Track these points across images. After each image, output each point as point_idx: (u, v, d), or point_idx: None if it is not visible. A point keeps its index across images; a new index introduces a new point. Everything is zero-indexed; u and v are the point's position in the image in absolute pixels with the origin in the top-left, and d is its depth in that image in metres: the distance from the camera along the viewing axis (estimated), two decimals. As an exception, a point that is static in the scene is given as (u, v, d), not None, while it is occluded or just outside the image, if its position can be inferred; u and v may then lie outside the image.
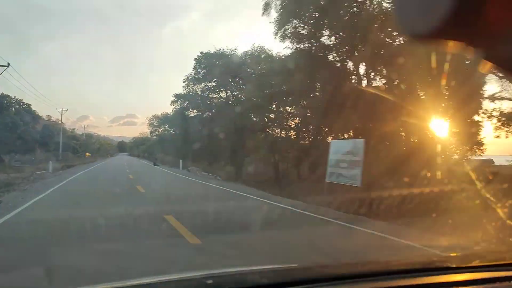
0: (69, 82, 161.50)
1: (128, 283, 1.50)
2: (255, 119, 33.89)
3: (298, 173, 27.50)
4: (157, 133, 58.33)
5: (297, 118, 27.45)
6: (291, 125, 29.37)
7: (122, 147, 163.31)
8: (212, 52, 33.61)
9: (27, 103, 38.04)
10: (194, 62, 34.51)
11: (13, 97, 36.16)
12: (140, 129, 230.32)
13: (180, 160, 32.24)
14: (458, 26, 0.45)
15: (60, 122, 54.02)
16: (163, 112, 57.82)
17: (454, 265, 1.73)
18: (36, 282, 3.06)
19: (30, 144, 37.43)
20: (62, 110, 52.72)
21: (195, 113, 35.99)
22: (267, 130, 32.36)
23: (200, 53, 34.13)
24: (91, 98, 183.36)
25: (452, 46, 0.48)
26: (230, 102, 34.54)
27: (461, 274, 1.67)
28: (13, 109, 35.85)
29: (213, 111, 34.38)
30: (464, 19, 0.44)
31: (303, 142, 29.18)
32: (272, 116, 30.03)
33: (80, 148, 60.65)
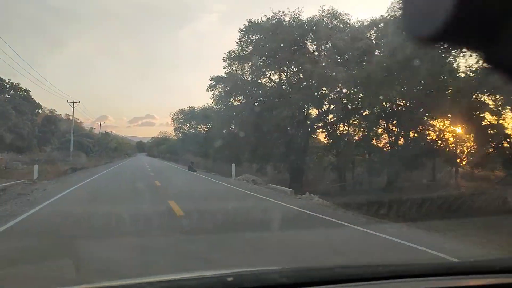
0: (89, 83, 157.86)
1: (151, 279, 1.55)
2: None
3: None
4: (182, 130, 50.35)
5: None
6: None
7: (140, 147, 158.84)
8: (264, 19, 25.06)
9: (25, 88, 30.22)
10: (239, 34, 26.09)
11: (7, 81, 28.39)
12: (158, 129, 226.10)
13: (233, 166, 22.78)
14: (460, 29, 0.47)
15: (73, 118, 46.56)
16: (189, 107, 49.94)
17: (472, 270, 1.74)
18: None
19: (27, 139, 29.65)
20: (73, 102, 45.35)
21: (240, 101, 27.38)
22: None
23: (248, 21, 25.65)
24: (111, 99, 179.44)
25: (454, 49, 0.44)
26: (284, 87, 26.04)
27: (481, 279, 1.66)
28: (7, 95, 28.17)
29: (261, 99, 26.06)
30: (466, 22, 0.46)
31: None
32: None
33: (93, 147, 53.07)
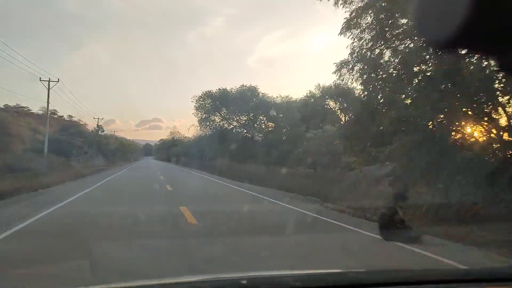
0: (96, 86, 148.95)
1: (166, 281, 1.58)
2: None
3: None
4: (210, 122, 34.40)
5: None
6: None
7: (148, 150, 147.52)
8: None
9: None
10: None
11: None
12: (166, 132, 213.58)
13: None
14: (474, 35, 0.46)
15: (48, 103, 31.49)
16: (219, 89, 34.24)
17: (490, 277, 1.69)
18: None
19: None
20: (49, 81, 30.24)
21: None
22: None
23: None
24: (118, 102, 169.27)
25: (469, 54, 0.45)
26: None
27: (500, 287, 1.65)
28: None
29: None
30: (481, 28, 0.46)
31: None
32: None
33: (82, 148, 37.52)
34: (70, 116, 63.54)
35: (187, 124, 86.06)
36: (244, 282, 1.46)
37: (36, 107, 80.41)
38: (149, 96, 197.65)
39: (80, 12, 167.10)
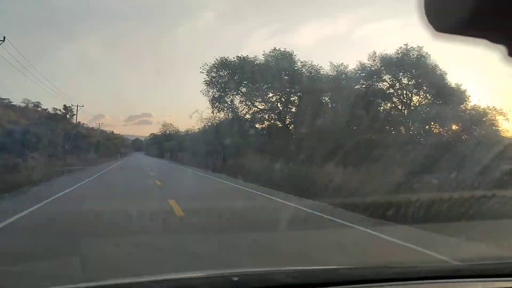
0: (85, 81, 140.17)
1: (157, 277, 1.53)
2: None
3: None
4: (226, 106, 24.30)
5: None
6: None
7: (137, 145, 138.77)
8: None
9: None
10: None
11: None
12: (156, 128, 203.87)
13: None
14: (483, 21, 0.45)
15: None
16: (238, 56, 24.18)
17: (480, 274, 1.69)
18: None
19: None
20: None
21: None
22: None
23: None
24: (107, 97, 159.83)
25: (476, 42, 0.48)
26: None
27: (490, 282, 1.64)
28: None
29: None
30: (487, 15, 0.45)
31: None
32: None
33: (39, 141, 26.81)
34: (55, 109, 54.51)
35: (177, 120, 77.59)
36: (236, 279, 1.44)
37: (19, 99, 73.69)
38: (139, 91, 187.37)
39: (68, 5, 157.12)
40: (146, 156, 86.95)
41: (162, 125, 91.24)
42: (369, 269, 1.84)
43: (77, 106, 49.16)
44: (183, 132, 61.66)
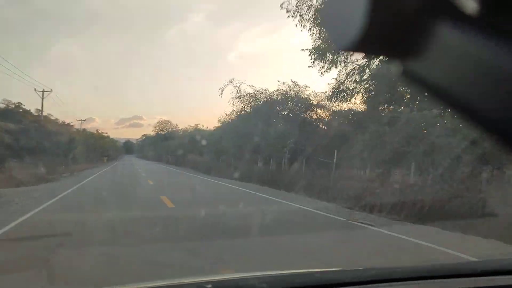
0: (74, 84, 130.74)
1: (128, 287, 1.62)
2: None
3: None
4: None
5: None
6: None
7: (129, 147, 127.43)
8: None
9: None
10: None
11: None
12: (146, 130, 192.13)
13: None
14: (378, 37, 0.46)
15: None
16: None
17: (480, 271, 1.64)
18: None
19: None
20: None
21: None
22: None
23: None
24: (97, 100, 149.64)
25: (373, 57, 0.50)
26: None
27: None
28: None
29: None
30: (383, 31, 0.45)
31: None
32: None
33: None
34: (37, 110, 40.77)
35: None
36: (209, 286, 1.41)
37: None
38: (129, 94, 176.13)
39: (55, 9, 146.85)
40: (140, 160, 72.62)
41: (157, 122, 76.99)
42: (345, 272, 1.75)
43: (42, 91, 34.81)
44: (190, 130, 47.93)
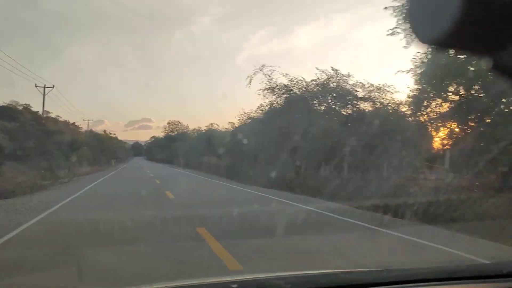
0: (84, 87, 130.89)
1: (154, 286, 1.55)
2: None
3: None
4: None
5: None
6: None
7: (137, 149, 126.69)
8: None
9: None
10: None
11: None
12: (155, 132, 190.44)
13: None
14: (466, 34, 0.45)
15: None
16: None
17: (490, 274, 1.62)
18: None
19: None
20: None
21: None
22: None
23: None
24: (106, 103, 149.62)
25: (461, 54, 0.50)
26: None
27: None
28: None
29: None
30: (472, 27, 0.44)
31: None
32: None
33: None
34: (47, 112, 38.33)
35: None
36: (235, 286, 1.41)
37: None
38: (138, 96, 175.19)
39: (65, 12, 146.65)
40: (149, 163, 69.38)
41: (167, 123, 73.70)
42: (369, 273, 1.72)
43: (44, 87, 31.78)
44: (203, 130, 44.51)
